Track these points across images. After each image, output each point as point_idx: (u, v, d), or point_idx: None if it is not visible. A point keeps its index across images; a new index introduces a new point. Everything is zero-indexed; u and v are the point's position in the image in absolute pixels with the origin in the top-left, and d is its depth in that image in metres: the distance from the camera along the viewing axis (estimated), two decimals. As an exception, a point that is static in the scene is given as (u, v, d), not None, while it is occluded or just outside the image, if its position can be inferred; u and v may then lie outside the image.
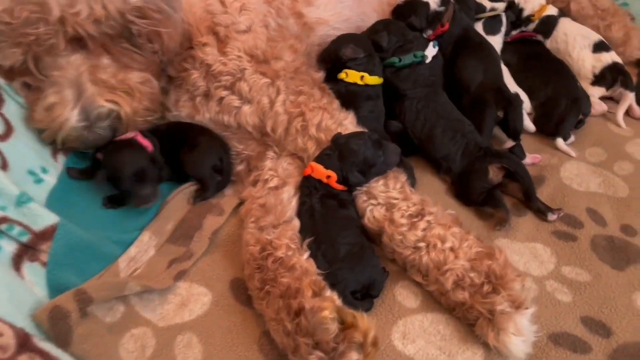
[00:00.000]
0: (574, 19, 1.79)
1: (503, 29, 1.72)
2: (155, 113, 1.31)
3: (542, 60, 1.67)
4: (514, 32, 1.78)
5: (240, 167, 1.35)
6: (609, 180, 1.37)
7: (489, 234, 1.22)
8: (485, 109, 1.45)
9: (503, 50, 1.71)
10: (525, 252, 1.19)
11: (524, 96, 1.56)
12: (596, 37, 1.71)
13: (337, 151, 1.17)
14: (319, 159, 1.18)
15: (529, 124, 1.51)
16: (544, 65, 1.64)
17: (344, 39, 1.45)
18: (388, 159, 1.21)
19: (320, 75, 1.38)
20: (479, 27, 1.70)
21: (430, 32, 1.59)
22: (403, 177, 1.22)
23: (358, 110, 1.36)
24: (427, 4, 1.58)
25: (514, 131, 1.43)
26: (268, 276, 1.03)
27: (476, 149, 1.32)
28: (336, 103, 1.32)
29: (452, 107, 1.42)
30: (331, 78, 1.42)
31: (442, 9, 1.58)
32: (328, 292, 0.99)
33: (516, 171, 1.27)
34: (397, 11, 1.63)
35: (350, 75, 1.39)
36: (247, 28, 1.34)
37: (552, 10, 1.77)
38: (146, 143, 1.21)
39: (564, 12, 1.80)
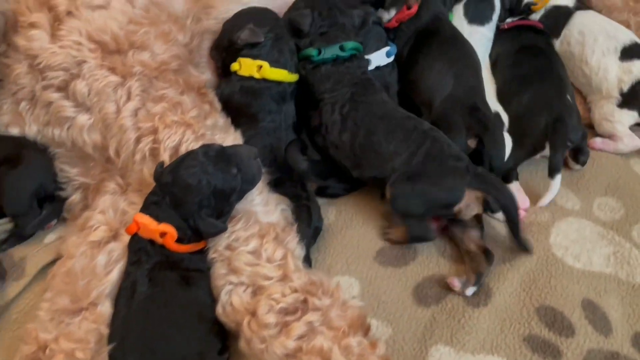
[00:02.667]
0: (596, 13, 1.31)
1: (495, 16, 1.25)
2: None
3: (535, 55, 1.18)
4: (509, 20, 1.30)
5: (72, 198, 0.94)
6: (623, 253, 0.92)
7: (424, 334, 0.79)
8: (451, 133, 1.00)
9: (495, 40, 1.24)
10: (474, 373, 0.75)
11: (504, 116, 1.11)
12: (627, 36, 1.20)
13: (167, 193, 0.75)
14: (145, 209, 0.76)
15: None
16: (534, 63, 1.16)
17: (242, 17, 1.03)
18: (247, 173, 0.79)
19: (203, 78, 0.98)
20: (458, 10, 1.23)
21: (393, 12, 1.13)
22: (292, 238, 0.80)
23: (255, 120, 0.97)
24: (391, -26, 1.13)
25: (491, 170, 0.98)
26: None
27: (449, 155, 0.90)
28: (214, 118, 0.91)
29: (395, 106, 1.00)
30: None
31: (411, -18, 1.13)
32: None
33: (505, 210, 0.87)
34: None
35: (244, 66, 0.98)
36: (104, 1, 0.93)
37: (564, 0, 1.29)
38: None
39: (582, 3, 1.31)
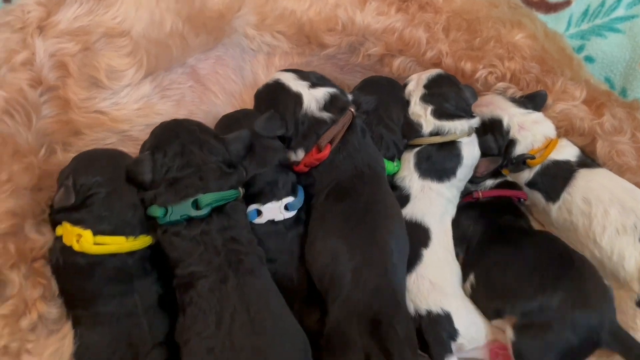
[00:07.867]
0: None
1: (460, 172, 0.90)
2: None
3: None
4: (489, 182, 0.96)
5: None
6: None
7: None
8: (345, 356, 0.64)
9: (465, 209, 0.91)
10: None
11: (470, 324, 0.77)
12: (651, 210, 0.84)
13: None
14: None
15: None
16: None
17: (71, 164, 0.78)
18: None
19: (43, 241, 0.73)
20: (408, 159, 0.91)
21: (301, 154, 0.84)
22: None
23: (93, 306, 0.72)
24: (299, 98, 0.85)
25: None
26: None
27: None
28: (39, 312, 0.67)
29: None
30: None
31: (326, 116, 0.83)
32: None
33: None
34: (256, 100, 0.91)
35: (66, 233, 0.73)
36: None
37: (566, 152, 0.92)
38: None
39: (589, 157, 0.94)
